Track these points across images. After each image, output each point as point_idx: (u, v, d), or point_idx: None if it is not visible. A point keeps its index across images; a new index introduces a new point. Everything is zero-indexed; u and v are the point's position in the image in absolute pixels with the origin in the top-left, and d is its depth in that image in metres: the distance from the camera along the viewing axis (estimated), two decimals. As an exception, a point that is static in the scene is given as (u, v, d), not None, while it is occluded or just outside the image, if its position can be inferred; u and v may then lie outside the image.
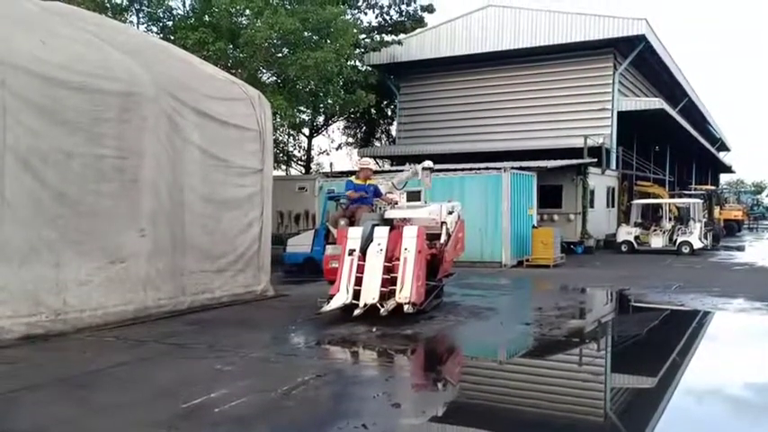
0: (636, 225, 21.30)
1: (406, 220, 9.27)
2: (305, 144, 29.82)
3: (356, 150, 33.88)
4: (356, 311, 8.01)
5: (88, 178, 7.75)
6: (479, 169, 17.52)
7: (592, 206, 21.42)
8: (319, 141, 36.34)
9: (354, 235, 8.63)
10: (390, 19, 28.80)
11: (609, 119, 24.07)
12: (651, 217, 22.51)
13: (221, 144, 9.71)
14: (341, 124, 32.85)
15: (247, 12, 19.36)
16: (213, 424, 4.55)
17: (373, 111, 30.67)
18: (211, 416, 4.69)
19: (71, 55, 7.71)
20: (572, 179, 20.70)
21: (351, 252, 8.43)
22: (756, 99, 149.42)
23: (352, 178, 10.70)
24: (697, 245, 20.19)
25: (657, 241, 20.74)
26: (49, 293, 7.28)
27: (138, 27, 19.91)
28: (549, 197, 20.07)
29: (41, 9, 8.57)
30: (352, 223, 9.43)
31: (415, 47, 26.41)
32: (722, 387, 6.01)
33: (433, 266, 9.04)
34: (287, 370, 6.12)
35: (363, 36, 26.09)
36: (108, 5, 18.92)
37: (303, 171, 29.15)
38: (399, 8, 28.67)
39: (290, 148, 29.86)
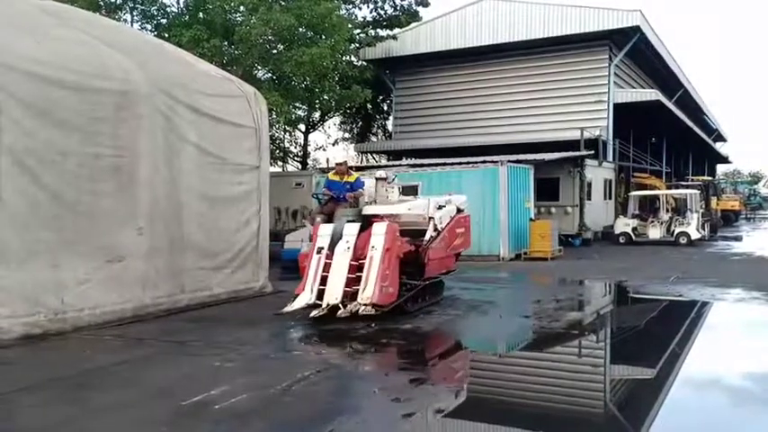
0: (633, 217, 21.32)
1: (388, 217, 8.81)
2: (301, 140, 29.83)
3: (352, 146, 33.89)
4: (314, 312, 7.72)
5: (85, 178, 7.72)
6: (476, 163, 17.51)
7: (589, 198, 21.43)
8: (315, 137, 36.46)
9: (324, 232, 8.37)
10: (385, 13, 28.78)
11: (605, 111, 24.11)
12: (648, 208, 22.53)
13: (217, 141, 9.69)
14: (337, 120, 32.87)
15: (242, 8, 19.33)
16: (214, 421, 4.56)
17: (369, 106, 30.67)
18: (212, 413, 4.69)
19: (66, 54, 7.68)
20: (569, 172, 20.71)
21: (319, 250, 8.17)
22: (752, 89, 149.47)
23: (330, 175, 10.28)
24: (694, 235, 20.22)
25: (655, 232, 20.77)
26: (47, 293, 7.26)
27: (132, 25, 19.84)
28: (547, 190, 20.07)
29: (36, 8, 8.52)
30: (330, 220, 9.00)
31: (410, 41, 26.38)
32: (721, 377, 6.03)
33: (417, 265, 8.64)
34: (286, 366, 6.12)
35: (358, 31, 26.06)
36: (102, 4, 18.86)
37: (300, 167, 29.13)
38: (394, 2, 28.67)
39: (287, 145, 29.87)
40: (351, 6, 27.37)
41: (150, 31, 20.24)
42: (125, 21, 19.82)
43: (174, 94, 8.95)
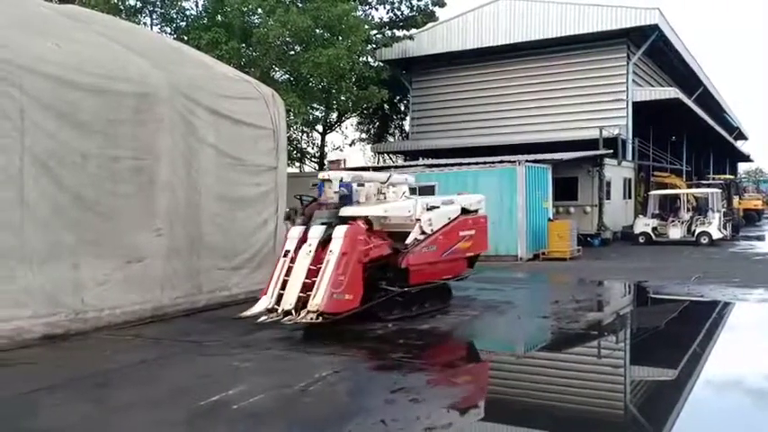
0: (653, 216, 21.07)
1: (362, 218, 8.11)
2: (318, 141, 29.89)
3: (369, 146, 33.93)
4: (262, 318, 7.44)
5: (105, 179, 7.81)
6: (493, 163, 17.43)
7: (608, 198, 21.25)
8: (333, 138, 36.49)
9: (293, 235, 8.04)
10: (401, 14, 28.77)
11: (624, 109, 23.90)
12: (669, 208, 22.28)
13: (235, 143, 9.75)
14: (354, 120, 32.92)
15: (259, 10, 19.45)
16: (232, 421, 4.58)
17: (386, 106, 30.68)
18: (230, 413, 4.71)
19: (86, 57, 7.77)
20: (588, 171, 20.54)
21: (286, 253, 7.88)
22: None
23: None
24: (716, 235, 19.95)
25: (675, 232, 20.52)
26: (68, 294, 7.35)
27: (151, 28, 20.04)
28: (565, 189, 19.92)
29: (56, 13, 8.65)
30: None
31: (426, 41, 26.35)
32: (743, 378, 5.94)
33: (397, 270, 8.13)
34: (304, 366, 6.13)
35: (375, 32, 26.09)
36: (122, 7, 19.08)
37: (317, 168, 29.20)
38: (410, 3, 28.64)
39: (304, 145, 29.95)
40: (367, 7, 27.44)
41: (169, 33, 20.43)
42: (144, 24, 20.03)
43: (193, 96, 9.01)
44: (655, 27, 22.98)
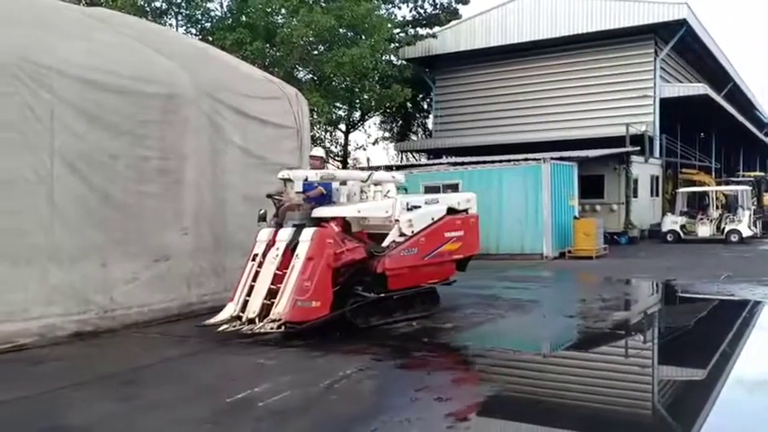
0: (682, 214, 20.79)
1: (336, 219, 7.72)
2: (342, 140, 30.00)
3: (393, 145, 33.93)
4: (224, 326, 7.08)
5: (133, 180, 7.92)
6: (518, 160, 17.33)
7: (635, 195, 21.00)
8: (356, 137, 36.48)
9: (262, 238, 7.66)
10: (425, 12, 28.73)
11: (651, 106, 23.57)
12: (697, 205, 21.96)
13: (260, 142, 9.81)
14: (377, 119, 32.96)
15: (283, 11, 19.56)
16: (257, 419, 4.62)
17: (409, 105, 30.65)
18: (255, 410, 4.75)
19: (114, 59, 7.88)
20: (614, 168, 20.33)
21: (254, 257, 7.52)
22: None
23: None
24: (746, 233, 19.61)
25: (704, 230, 20.21)
26: (97, 292, 7.48)
27: (177, 29, 20.27)
28: (591, 187, 19.72)
29: (85, 15, 8.80)
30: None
31: (450, 39, 26.26)
32: (775, 379, 5.83)
33: (374, 274, 7.60)
34: (328, 364, 6.16)
35: (398, 30, 26.08)
36: (148, 9, 19.33)
37: (340, 167, 29.30)
38: (433, 1, 28.58)
39: (327, 145, 30.09)
40: (390, 6, 27.42)
41: (195, 34, 20.64)
42: (170, 25, 20.27)
43: (218, 96, 9.10)
44: (683, 22, 22.62)
